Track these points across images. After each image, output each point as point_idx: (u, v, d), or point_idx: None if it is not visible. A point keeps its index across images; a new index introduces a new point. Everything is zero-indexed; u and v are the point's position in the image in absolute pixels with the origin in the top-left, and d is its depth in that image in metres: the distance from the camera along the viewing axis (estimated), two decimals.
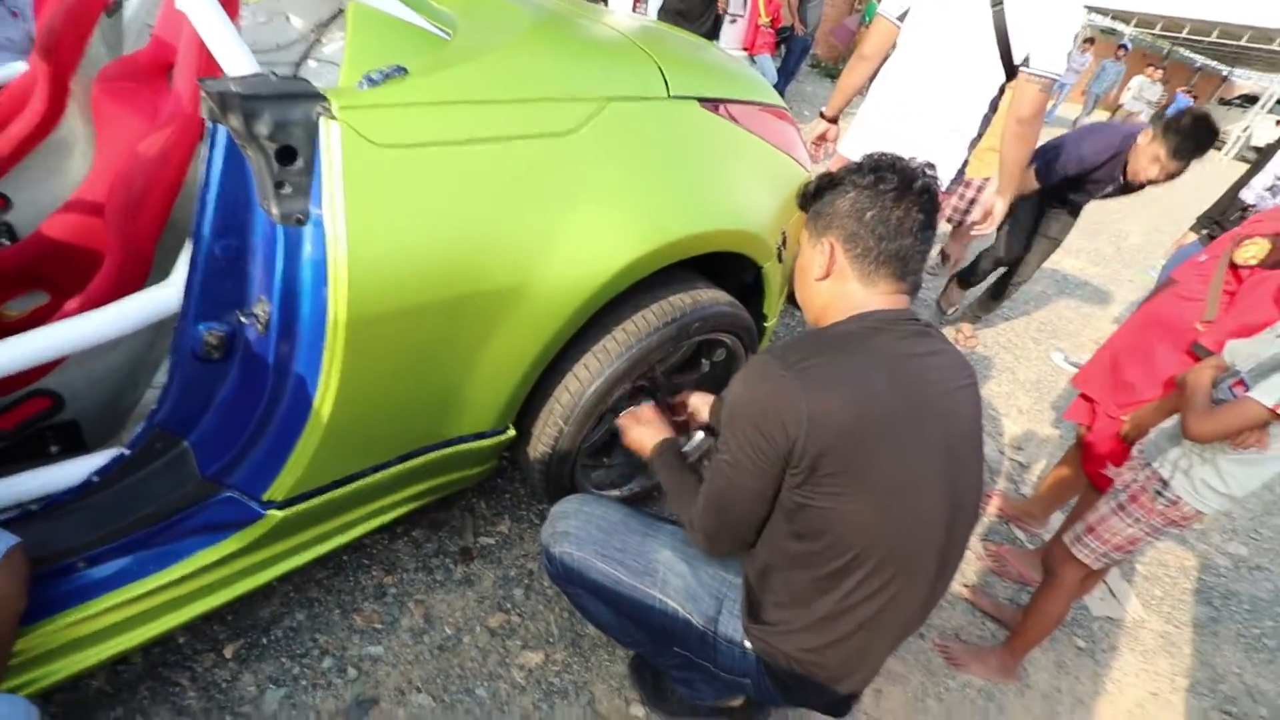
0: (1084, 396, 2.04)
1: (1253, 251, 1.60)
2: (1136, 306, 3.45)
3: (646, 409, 1.45)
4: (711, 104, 1.56)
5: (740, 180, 1.58)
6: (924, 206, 1.05)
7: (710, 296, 1.52)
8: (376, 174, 1.00)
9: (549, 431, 1.41)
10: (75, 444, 1.20)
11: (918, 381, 1.01)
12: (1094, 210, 2.22)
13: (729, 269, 1.67)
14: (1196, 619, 2.12)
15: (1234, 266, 1.65)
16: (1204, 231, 3.04)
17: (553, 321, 1.26)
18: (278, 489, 1.12)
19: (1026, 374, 3.49)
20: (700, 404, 1.60)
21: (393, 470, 1.26)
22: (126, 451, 1.08)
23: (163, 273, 1.11)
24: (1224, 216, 2.98)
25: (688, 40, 1.96)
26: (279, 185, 0.96)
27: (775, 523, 1.05)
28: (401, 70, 1.07)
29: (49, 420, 1.16)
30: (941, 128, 2.05)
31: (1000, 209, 2.11)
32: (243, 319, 1.04)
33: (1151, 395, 1.80)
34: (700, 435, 1.86)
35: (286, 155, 0.95)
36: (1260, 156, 3.07)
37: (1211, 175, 12.23)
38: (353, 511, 1.29)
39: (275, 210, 0.96)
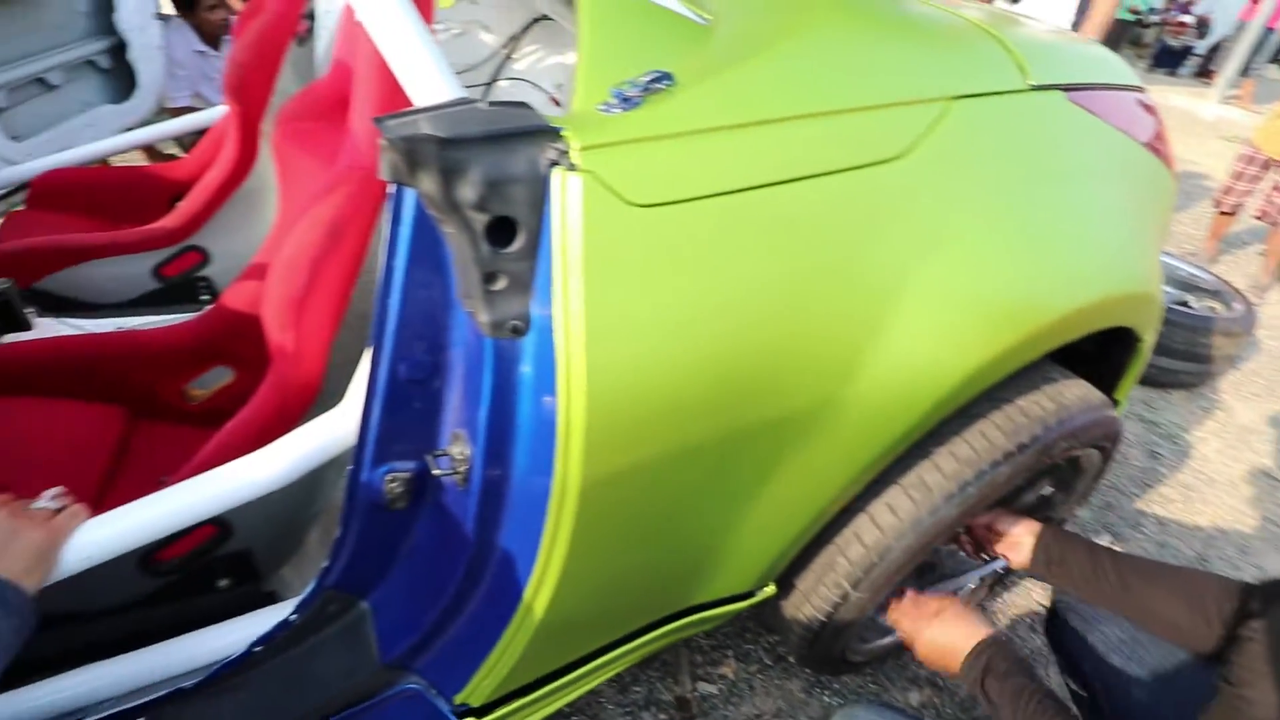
0: None
1: None
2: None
3: (935, 599, 0.95)
4: (1074, 94, 1.02)
5: (1127, 210, 1.01)
6: None
7: (1077, 396, 0.98)
8: (633, 253, 0.62)
9: (825, 593, 0.97)
10: (247, 575, 0.98)
11: None
12: None
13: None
14: None
15: None
16: None
17: (861, 454, 0.81)
18: (474, 692, 0.79)
19: None
20: (1023, 536, 1.07)
21: (616, 651, 0.90)
22: (293, 616, 0.82)
23: (341, 378, 0.83)
24: None
25: (1003, 9, 1.41)
26: (489, 278, 0.61)
27: None
28: (665, 79, 0.68)
29: (218, 550, 0.94)
30: None
31: None
32: (434, 463, 0.72)
33: None
34: (998, 564, 1.30)
35: (502, 232, 0.60)
36: None
37: None
38: (562, 694, 0.94)
39: (484, 316, 0.62)
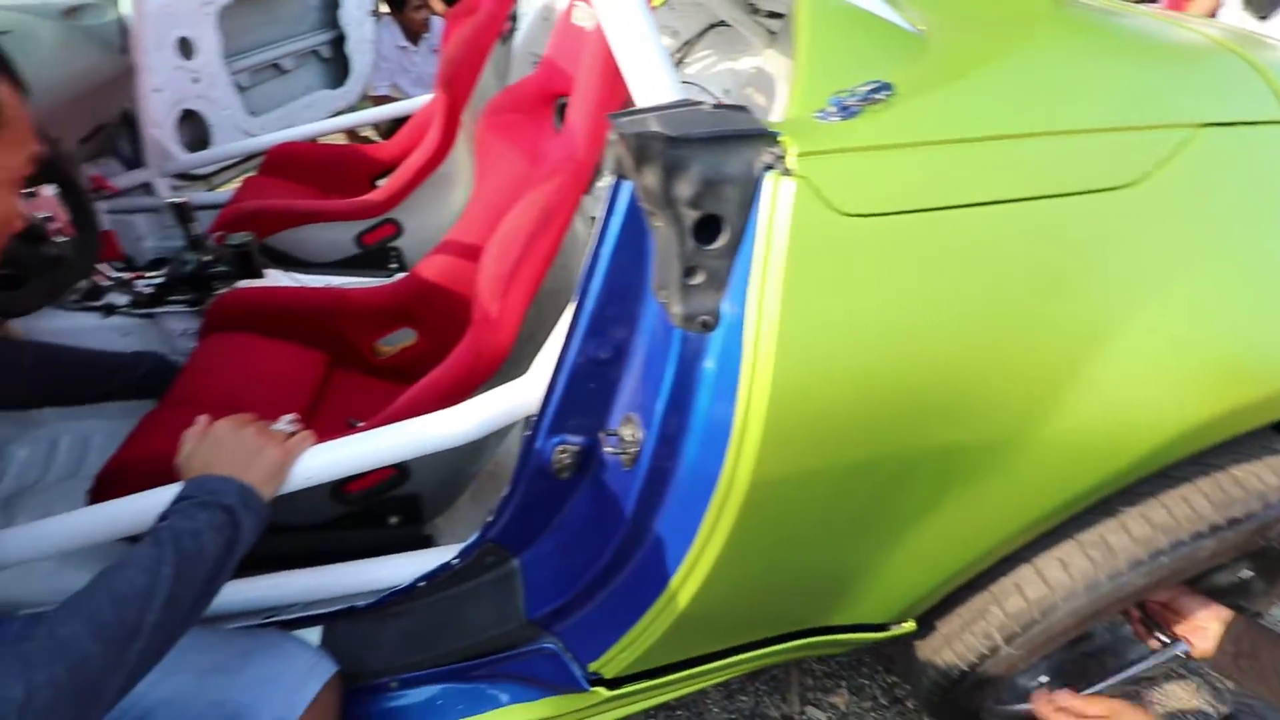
0: None
1: None
2: None
3: (1102, 701, 0.90)
4: None
5: None
6: None
7: None
8: (835, 261, 0.62)
9: (971, 642, 0.91)
10: (413, 517, 1.08)
11: None
12: None
13: None
14: None
15: None
16: None
17: (1040, 500, 0.76)
18: (608, 663, 0.83)
19: None
20: (1210, 621, 0.95)
21: (739, 656, 0.90)
22: (455, 561, 0.89)
23: (519, 349, 0.90)
24: None
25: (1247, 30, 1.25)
26: (689, 272, 0.63)
27: None
28: (885, 89, 0.67)
29: (394, 491, 1.05)
30: None
31: None
32: (604, 440, 0.76)
33: None
34: (1178, 649, 1.15)
35: (707, 228, 0.62)
36: None
37: None
38: (682, 685, 0.96)
39: (677, 308, 0.64)
